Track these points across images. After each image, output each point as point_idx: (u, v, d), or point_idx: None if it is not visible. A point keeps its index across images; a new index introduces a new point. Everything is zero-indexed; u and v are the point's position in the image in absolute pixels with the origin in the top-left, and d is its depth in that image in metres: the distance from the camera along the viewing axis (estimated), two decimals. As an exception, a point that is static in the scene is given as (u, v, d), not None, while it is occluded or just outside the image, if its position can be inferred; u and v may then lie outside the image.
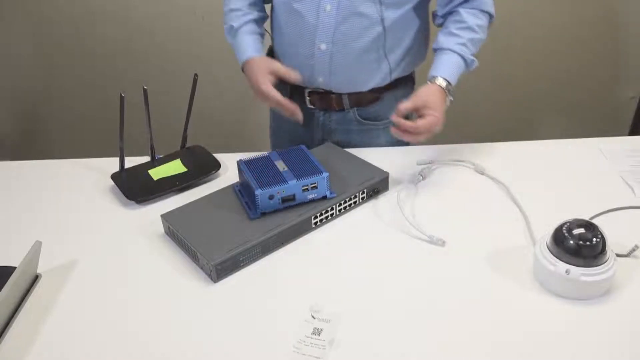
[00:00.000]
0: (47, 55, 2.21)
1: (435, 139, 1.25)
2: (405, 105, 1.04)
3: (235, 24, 1.22)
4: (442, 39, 1.15)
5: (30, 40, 2.18)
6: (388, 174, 1.08)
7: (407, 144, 1.33)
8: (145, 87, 1.10)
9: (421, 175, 1.12)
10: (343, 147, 1.21)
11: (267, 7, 1.29)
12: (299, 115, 1.16)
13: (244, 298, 0.85)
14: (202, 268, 0.90)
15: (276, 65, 1.15)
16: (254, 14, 1.24)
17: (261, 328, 0.79)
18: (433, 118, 1.03)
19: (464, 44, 1.13)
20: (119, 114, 1.07)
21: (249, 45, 1.20)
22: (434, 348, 0.75)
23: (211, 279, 0.88)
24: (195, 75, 1.16)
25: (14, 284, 0.80)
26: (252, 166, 1.01)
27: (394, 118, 1.02)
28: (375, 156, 1.17)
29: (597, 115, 2.31)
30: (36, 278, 0.90)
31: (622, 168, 1.14)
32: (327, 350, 0.75)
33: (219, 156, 1.22)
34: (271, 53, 1.30)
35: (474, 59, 1.15)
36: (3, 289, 0.78)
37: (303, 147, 1.07)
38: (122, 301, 0.85)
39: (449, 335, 0.77)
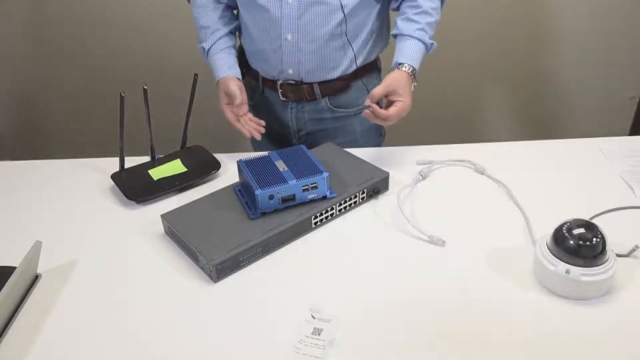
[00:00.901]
0: (47, 55, 2.21)
1: (436, 139, 1.26)
2: (378, 91, 1.09)
3: (206, 45, 1.28)
4: (402, 25, 1.20)
5: (30, 40, 2.18)
6: (388, 174, 1.08)
7: (380, 127, 1.42)
8: (146, 87, 1.10)
9: (421, 175, 1.13)
10: (318, 136, 1.24)
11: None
12: (256, 134, 1.22)
13: (244, 298, 0.85)
14: (202, 268, 0.90)
15: (232, 90, 1.20)
16: (223, 29, 1.28)
17: (261, 328, 0.79)
18: (402, 104, 1.10)
19: (422, 29, 1.18)
20: (118, 114, 1.07)
21: (218, 66, 1.26)
22: (434, 348, 0.75)
23: (211, 279, 0.88)
24: (195, 75, 1.16)
25: (14, 284, 0.80)
26: (252, 166, 1.01)
27: (369, 104, 1.08)
28: (375, 156, 1.17)
29: (597, 115, 2.31)
30: (36, 278, 0.90)
31: (622, 168, 1.14)
32: (327, 350, 0.75)
33: (219, 156, 1.22)
34: (241, 51, 1.34)
35: (433, 42, 1.20)
36: (3, 289, 0.78)
37: (303, 147, 1.07)
38: (122, 301, 0.85)
39: (449, 335, 0.77)
